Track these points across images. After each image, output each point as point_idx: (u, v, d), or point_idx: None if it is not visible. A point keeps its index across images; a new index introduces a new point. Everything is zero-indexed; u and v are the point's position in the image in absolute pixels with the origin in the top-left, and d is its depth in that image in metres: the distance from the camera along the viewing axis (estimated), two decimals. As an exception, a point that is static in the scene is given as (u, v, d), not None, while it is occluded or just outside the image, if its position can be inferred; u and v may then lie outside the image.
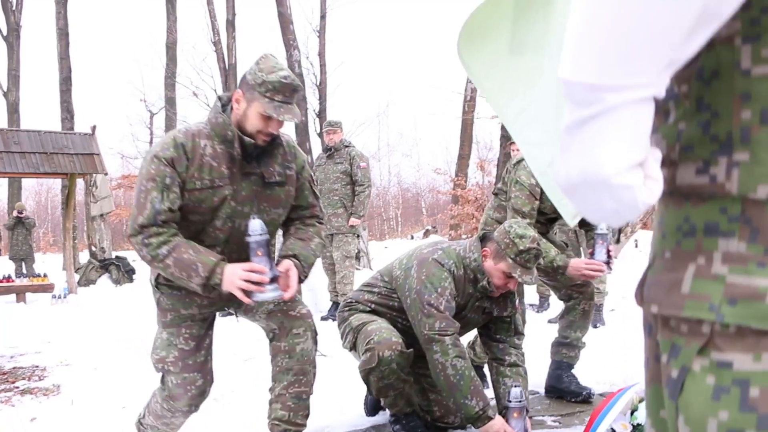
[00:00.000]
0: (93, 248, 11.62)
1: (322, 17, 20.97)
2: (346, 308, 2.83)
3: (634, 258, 10.64)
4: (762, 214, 0.67)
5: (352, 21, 48.95)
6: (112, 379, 4.05)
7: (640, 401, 1.79)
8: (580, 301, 3.25)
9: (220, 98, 2.23)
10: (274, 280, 2.08)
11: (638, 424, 1.69)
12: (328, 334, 3.78)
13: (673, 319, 0.72)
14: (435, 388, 2.81)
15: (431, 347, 2.51)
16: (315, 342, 2.34)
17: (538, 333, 4.34)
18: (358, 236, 6.86)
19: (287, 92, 2.08)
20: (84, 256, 12.37)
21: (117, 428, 3.04)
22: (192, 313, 2.29)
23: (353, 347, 2.69)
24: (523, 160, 3.22)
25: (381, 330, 2.56)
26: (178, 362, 2.28)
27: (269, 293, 2.08)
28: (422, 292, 2.55)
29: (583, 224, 3.47)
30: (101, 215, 11.67)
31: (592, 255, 3.08)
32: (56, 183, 29.83)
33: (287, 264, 2.19)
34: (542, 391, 3.33)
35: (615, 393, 1.93)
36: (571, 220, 2.17)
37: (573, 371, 3.30)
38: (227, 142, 2.14)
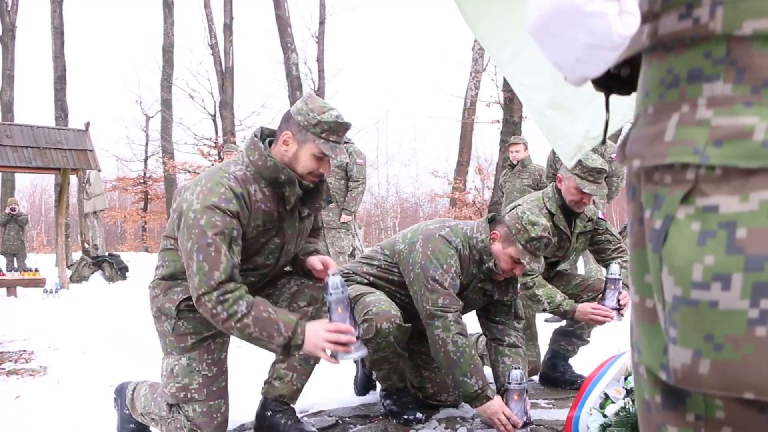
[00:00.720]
0: (86, 245, 11.55)
1: (321, 23, 21.04)
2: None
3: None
4: (748, 53, 0.64)
5: (352, 28, 49.15)
6: (100, 362, 4.00)
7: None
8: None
9: (255, 135, 2.16)
10: (358, 337, 2.03)
11: (632, 389, 1.65)
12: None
13: (656, 172, 0.69)
14: (429, 366, 2.77)
15: (433, 323, 2.46)
16: None
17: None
18: (353, 234, 6.84)
19: (341, 132, 2.08)
20: (78, 257, 12.27)
21: (103, 406, 2.99)
22: (214, 332, 2.20)
23: None
24: (518, 206, 3.14)
25: (380, 302, 2.51)
26: (203, 389, 2.15)
27: (355, 353, 2.01)
28: (427, 267, 2.51)
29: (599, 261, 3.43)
30: (94, 212, 11.63)
31: (602, 300, 2.99)
32: (50, 185, 29.67)
33: (321, 259, 2.22)
34: (536, 378, 3.32)
35: (608, 360, 1.89)
36: (568, 161, 2.15)
37: (569, 362, 3.29)
38: (276, 184, 2.10)
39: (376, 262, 2.74)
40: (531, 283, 3.00)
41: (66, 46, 17.27)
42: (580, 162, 2.93)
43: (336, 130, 2.06)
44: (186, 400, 2.15)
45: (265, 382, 2.37)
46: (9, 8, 19.87)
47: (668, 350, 0.68)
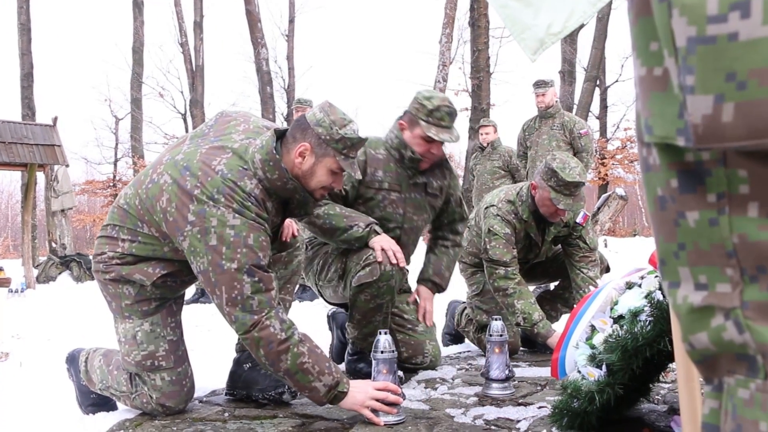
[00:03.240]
0: (53, 244, 11.27)
1: (291, 21, 20.96)
2: (311, 246, 2.71)
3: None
4: None
5: (321, 25, 49.19)
6: (65, 347, 3.84)
7: (628, 285, 1.68)
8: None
9: (275, 150, 1.95)
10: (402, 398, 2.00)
11: (619, 316, 1.59)
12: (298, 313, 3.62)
13: None
14: (403, 329, 2.70)
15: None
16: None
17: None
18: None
19: (360, 147, 2.02)
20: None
21: (65, 387, 2.86)
22: (176, 295, 2.12)
23: (342, 276, 2.53)
24: (492, 206, 3.01)
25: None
26: (170, 355, 2.05)
27: (398, 416, 1.94)
28: None
29: None
30: (62, 211, 11.34)
31: None
32: (16, 189, 28.96)
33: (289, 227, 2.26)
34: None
35: (589, 294, 1.83)
36: (531, 54, 2.11)
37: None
38: (286, 201, 2.02)
39: None
40: (511, 291, 2.87)
41: (33, 44, 16.87)
42: (556, 174, 2.77)
43: (357, 146, 1.99)
44: (153, 369, 2.04)
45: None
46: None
47: (685, 107, 0.60)
